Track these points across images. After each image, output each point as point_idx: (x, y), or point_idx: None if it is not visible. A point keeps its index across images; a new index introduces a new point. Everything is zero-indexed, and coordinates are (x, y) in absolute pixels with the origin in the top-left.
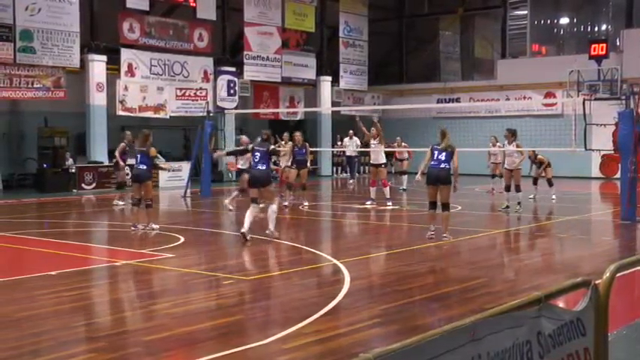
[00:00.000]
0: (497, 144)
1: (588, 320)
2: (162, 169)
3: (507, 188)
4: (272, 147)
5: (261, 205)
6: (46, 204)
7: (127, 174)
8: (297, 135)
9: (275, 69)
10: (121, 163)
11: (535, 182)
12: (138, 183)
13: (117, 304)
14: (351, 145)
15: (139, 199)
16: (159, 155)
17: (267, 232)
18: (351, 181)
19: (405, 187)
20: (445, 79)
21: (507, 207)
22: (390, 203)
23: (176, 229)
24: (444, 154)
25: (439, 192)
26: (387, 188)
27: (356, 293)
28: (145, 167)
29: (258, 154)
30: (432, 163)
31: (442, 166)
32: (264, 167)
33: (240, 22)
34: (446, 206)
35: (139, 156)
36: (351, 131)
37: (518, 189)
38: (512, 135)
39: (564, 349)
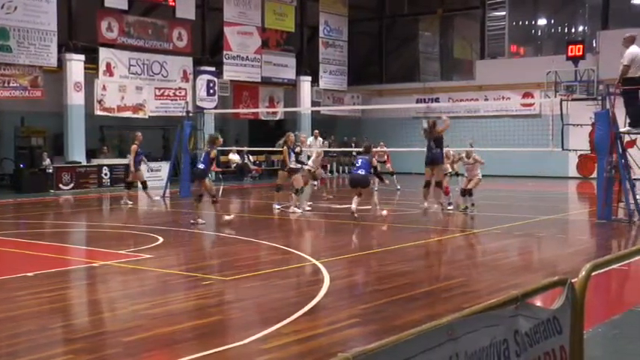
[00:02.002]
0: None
1: (564, 318)
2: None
3: (463, 193)
4: (374, 159)
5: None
6: (23, 204)
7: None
8: (291, 135)
9: (255, 69)
10: (132, 167)
11: None
12: (196, 179)
13: (95, 305)
14: (315, 146)
15: (200, 196)
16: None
17: (378, 214)
18: (315, 182)
19: (399, 187)
20: (424, 79)
21: (466, 208)
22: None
23: (155, 229)
24: (432, 142)
25: (434, 172)
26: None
27: (335, 293)
28: (203, 166)
29: (360, 160)
30: (428, 150)
31: (434, 151)
32: (363, 172)
33: (220, 21)
34: (438, 184)
35: (203, 154)
36: (316, 131)
37: (470, 193)
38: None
39: (541, 347)
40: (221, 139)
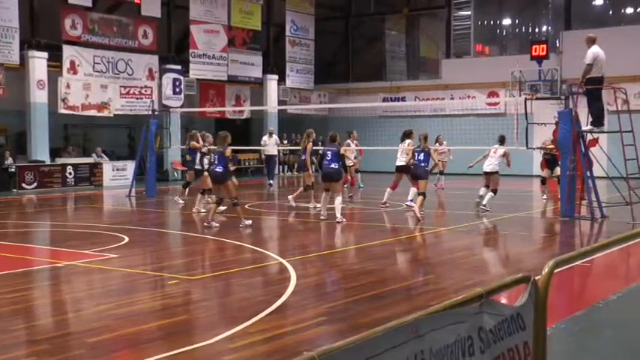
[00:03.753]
0: (444, 143)
1: (528, 315)
2: (233, 169)
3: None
4: (342, 149)
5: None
6: None
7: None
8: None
9: (221, 67)
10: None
11: None
12: (217, 184)
13: (60, 306)
14: (270, 144)
15: (221, 199)
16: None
17: (336, 220)
18: (270, 182)
19: (361, 185)
20: (391, 78)
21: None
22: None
23: (120, 228)
24: (422, 154)
25: (418, 183)
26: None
27: (302, 292)
28: (222, 169)
29: (329, 153)
30: (415, 163)
31: (423, 165)
32: (336, 166)
33: (186, 19)
34: (422, 194)
35: (216, 156)
36: (271, 128)
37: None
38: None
39: (505, 343)
40: (230, 137)
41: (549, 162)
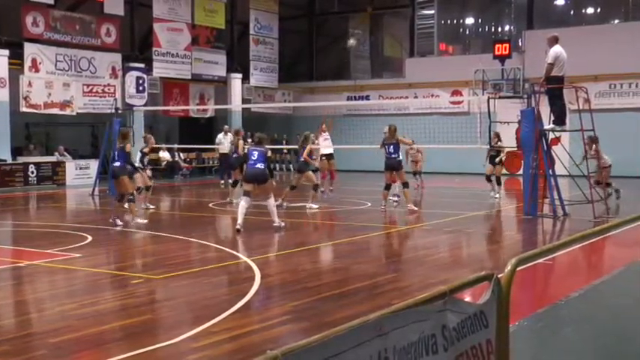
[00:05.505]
0: (415, 146)
1: (491, 312)
2: (135, 167)
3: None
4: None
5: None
6: None
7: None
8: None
9: (185, 66)
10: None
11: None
12: (115, 179)
13: (21, 306)
14: (225, 142)
15: (122, 195)
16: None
17: (274, 224)
18: (222, 181)
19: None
20: (355, 76)
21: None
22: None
23: (83, 227)
24: (392, 147)
25: (396, 176)
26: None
27: (266, 291)
28: (119, 163)
29: (256, 153)
30: (386, 155)
31: (394, 156)
32: (262, 166)
33: (149, 17)
34: (405, 184)
35: (116, 152)
36: (226, 126)
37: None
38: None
39: (468, 341)
40: (130, 133)
41: (492, 157)
